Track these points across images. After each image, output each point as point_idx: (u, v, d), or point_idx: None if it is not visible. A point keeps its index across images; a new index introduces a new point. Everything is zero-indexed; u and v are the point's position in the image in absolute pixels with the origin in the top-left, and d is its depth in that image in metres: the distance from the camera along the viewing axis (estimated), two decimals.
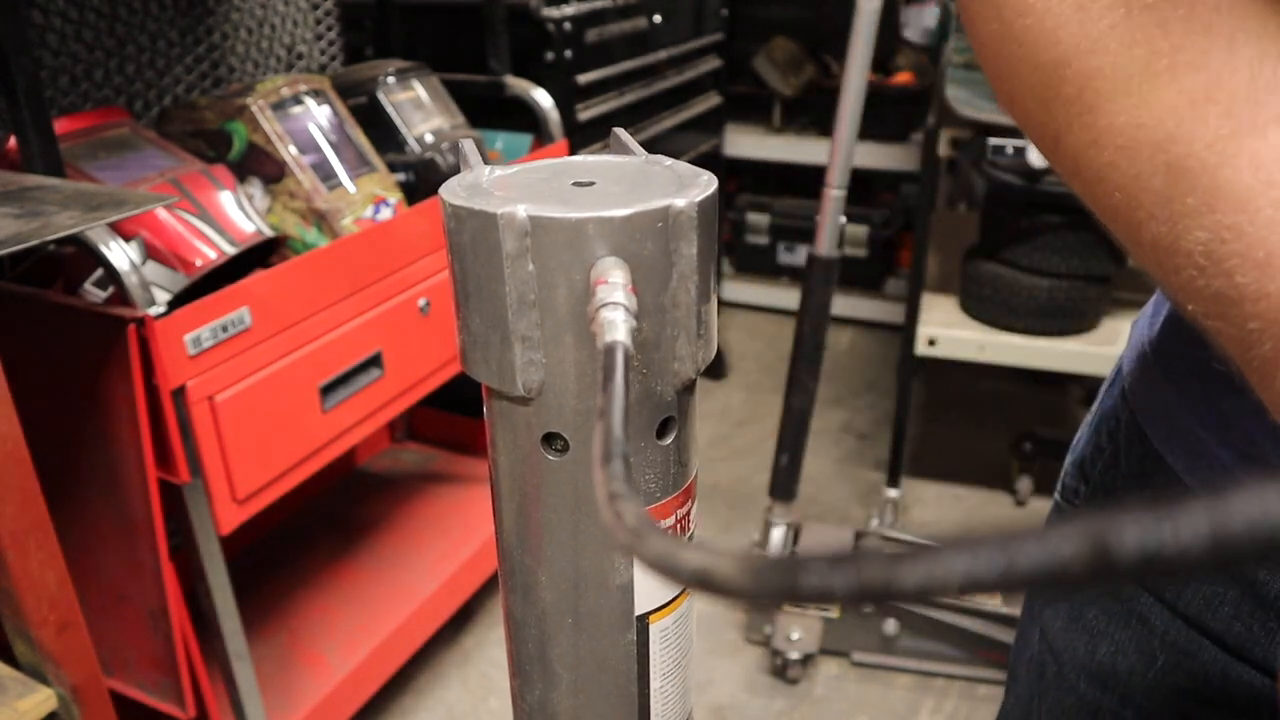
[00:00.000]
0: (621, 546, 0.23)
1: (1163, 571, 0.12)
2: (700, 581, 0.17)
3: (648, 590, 0.36)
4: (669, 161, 0.36)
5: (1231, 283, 0.26)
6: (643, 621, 0.37)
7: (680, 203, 0.31)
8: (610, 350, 0.27)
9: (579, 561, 0.35)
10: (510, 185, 0.34)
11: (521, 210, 0.30)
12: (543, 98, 1.72)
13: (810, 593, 0.15)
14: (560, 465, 0.33)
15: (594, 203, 0.31)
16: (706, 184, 0.33)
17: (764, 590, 0.16)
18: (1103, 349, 1.88)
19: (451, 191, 0.33)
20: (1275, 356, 0.25)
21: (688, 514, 0.37)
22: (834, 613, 1.72)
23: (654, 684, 0.38)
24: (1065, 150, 0.32)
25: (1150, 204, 0.29)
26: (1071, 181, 0.33)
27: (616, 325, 0.28)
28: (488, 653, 1.79)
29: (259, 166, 1.35)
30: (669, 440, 0.35)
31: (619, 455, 0.23)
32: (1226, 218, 0.26)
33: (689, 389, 0.35)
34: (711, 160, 2.75)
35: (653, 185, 0.33)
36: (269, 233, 1.27)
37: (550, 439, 0.33)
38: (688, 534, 0.37)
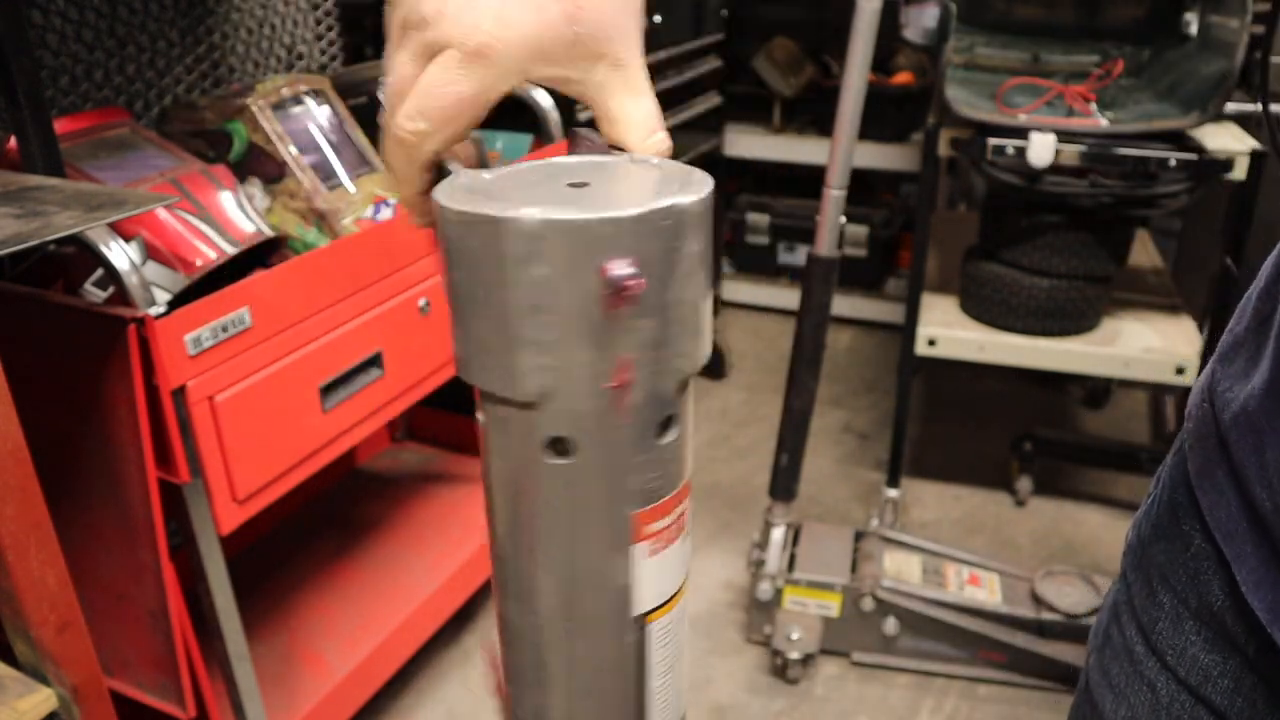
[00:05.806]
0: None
1: None
2: None
3: (647, 590, 0.36)
4: (656, 160, 0.36)
5: None
6: (640, 621, 0.37)
7: (686, 200, 0.31)
8: None
9: (577, 565, 0.35)
10: (507, 188, 0.34)
11: (529, 213, 0.30)
12: (543, 98, 1.72)
13: None
14: (563, 469, 0.33)
15: (600, 203, 0.31)
16: (703, 181, 0.33)
17: None
18: (1103, 349, 1.88)
19: (449, 197, 0.32)
20: None
21: (684, 510, 0.37)
22: (834, 612, 1.72)
23: (652, 684, 0.38)
24: None
25: None
26: None
27: None
28: None
29: (259, 166, 1.34)
30: (671, 438, 0.35)
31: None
32: None
33: (687, 386, 0.35)
34: (711, 160, 2.74)
35: (650, 184, 0.33)
36: (269, 233, 1.27)
37: (556, 442, 0.33)
38: (684, 531, 0.37)
